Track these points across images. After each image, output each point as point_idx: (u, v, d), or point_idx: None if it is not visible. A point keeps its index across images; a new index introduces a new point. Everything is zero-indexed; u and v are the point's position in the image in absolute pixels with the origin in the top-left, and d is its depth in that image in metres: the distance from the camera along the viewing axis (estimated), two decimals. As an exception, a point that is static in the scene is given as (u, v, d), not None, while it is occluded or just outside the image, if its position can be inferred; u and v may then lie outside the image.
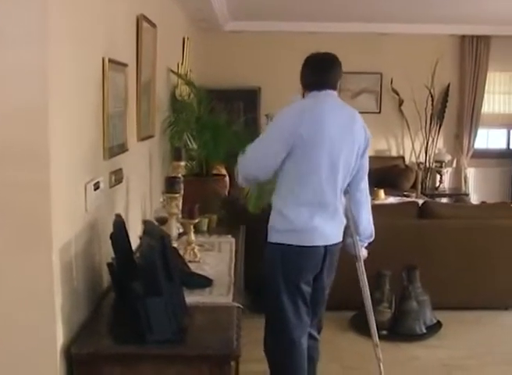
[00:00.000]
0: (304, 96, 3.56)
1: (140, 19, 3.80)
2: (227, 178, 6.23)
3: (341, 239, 3.46)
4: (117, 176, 3.23)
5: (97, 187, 2.78)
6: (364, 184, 3.63)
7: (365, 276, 3.69)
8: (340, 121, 3.40)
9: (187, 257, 3.49)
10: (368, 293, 3.68)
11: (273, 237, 3.36)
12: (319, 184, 3.27)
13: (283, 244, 3.29)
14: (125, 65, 3.40)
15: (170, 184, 3.48)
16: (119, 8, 3.33)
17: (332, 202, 3.33)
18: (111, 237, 2.73)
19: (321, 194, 3.28)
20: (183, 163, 4.12)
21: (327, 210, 3.31)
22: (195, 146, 5.02)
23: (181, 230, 3.72)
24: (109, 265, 2.75)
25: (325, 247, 3.31)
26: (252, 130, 6.48)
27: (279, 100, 8.67)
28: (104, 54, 2.94)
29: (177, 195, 3.50)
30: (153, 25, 4.23)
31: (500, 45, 8.92)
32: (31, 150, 2.21)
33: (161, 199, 3.92)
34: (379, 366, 3.57)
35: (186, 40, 6.41)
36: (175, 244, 3.52)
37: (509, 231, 5.05)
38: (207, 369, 2.36)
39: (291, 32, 8.63)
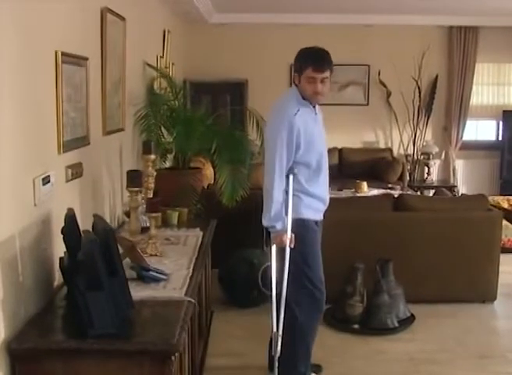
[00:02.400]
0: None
1: (105, 12, 3.78)
2: (208, 171, 6.25)
3: None
4: (75, 170, 3.21)
5: (46, 181, 2.77)
6: None
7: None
8: None
9: (148, 251, 3.48)
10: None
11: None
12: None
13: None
14: (85, 58, 3.38)
15: (131, 178, 3.48)
16: (78, 1, 3.31)
17: None
18: (62, 232, 2.73)
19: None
20: (152, 156, 4.12)
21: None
22: (170, 139, 5.01)
23: (148, 224, 3.71)
24: (60, 259, 2.75)
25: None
26: (236, 123, 6.49)
27: (267, 92, 8.70)
28: (57, 47, 2.93)
29: (137, 189, 3.49)
30: (121, 18, 4.21)
31: (488, 36, 8.87)
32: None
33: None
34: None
35: (166, 33, 6.39)
36: (137, 238, 3.52)
37: (484, 223, 5.02)
38: (147, 364, 2.36)
39: (277, 24, 8.60)
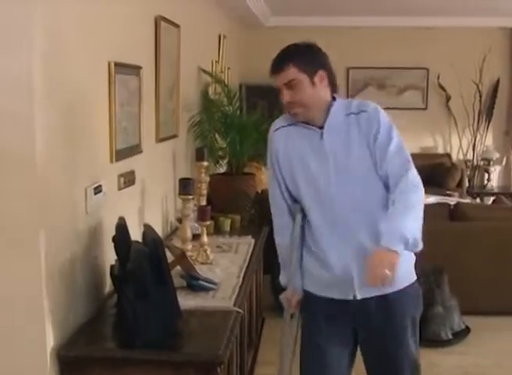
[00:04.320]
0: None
1: (159, 21, 3.82)
2: (262, 176, 6.25)
3: None
4: (127, 179, 3.26)
5: (98, 190, 2.81)
6: None
7: None
8: None
9: (199, 259, 3.50)
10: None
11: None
12: None
13: None
14: (138, 67, 3.42)
15: (183, 186, 3.50)
16: (132, 12, 3.36)
17: None
18: (113, 240, 2.77)
19: None
20: (205, 163, 4.15)
21: None
22: (224, 145, 5.03)
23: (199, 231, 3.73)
24: (111, 267, 2.79)
25: None
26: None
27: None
28: (110, 58, 2.97)
29: (190, 197, 3.51)
30: (176, 25, 4.24)
31: (553, 38, 8.61)
32: (19, 157, 2.26)
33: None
34: None
35: (222, 37, 6.42)
36: (188, 246, 3.54)
37: (544, 234, 4.87)
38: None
39: (334, 27, 8.53)
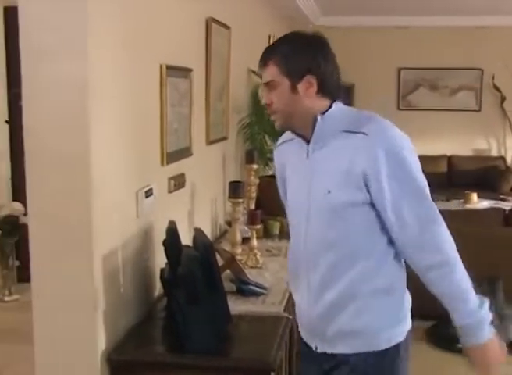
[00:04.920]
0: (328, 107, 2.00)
1: (209, 23, 3.81)
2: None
3: None
4: (177, 181, 3.25)
5: (149, 194, 2.81)
6: None
7: None
8: None
9: (249, 263, 3.47)
10: None
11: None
12: None
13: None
14: (189, 70, 3.41)
15: (233, 189, 3.48)
16: (184, 14, 3.35)
17: None
18: (163, 244, 2.76)
19: None
20: (255, 166, 4.11)
21: None
22: (273, 147, 4.98)
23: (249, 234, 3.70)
24: (161, 271, 2.79)
25: None
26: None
27: (374, 97, 8.57)
28: (162, 60, 2.97)
29: (240, 200, 3.48)
30: (226, 27, 4.23)
31: None
32: (72, 160, 2.27)
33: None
34: None
35: (271, 38, 6.39)
36: (238, 250, 3.52)
37: None
38: (243, 381, 2.34)
39: (385, 26, 8.43)
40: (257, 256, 3.51)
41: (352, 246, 1.96)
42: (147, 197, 2.77)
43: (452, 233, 4.35)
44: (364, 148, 1.87)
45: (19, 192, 5.26)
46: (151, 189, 2.81)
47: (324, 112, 1.95)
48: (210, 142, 3.93)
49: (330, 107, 1.97)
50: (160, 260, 2.87)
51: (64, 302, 2.34)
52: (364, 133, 1.88)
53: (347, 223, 1.93)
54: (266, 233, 4.18)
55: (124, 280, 2.61)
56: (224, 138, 4.35)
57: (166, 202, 3.09)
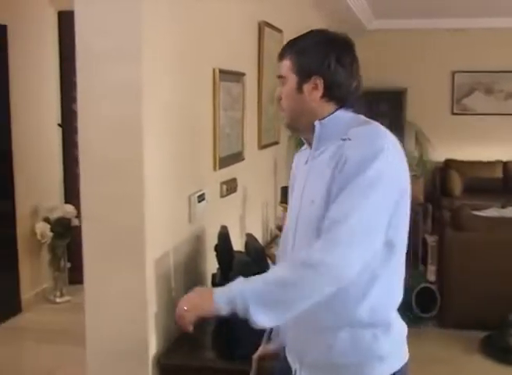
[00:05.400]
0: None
1: (262, 26, 3.79)
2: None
3: None
4: (229, 186, 3.24)
5: (201, 198, 2.81)
6: None
7: None
8: None
9: (300, 268, 3.44)
10: None
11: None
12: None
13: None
14: (242, 74, 3.41)
15: (285, 194, 3.44)
16: (235, 18, 3.35)
17: None
18: (215, 249, 2.75)
19: None
20: (307, 171, 4.09)
21: None
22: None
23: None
24: (213, 276, 2.78)
25: None
26: (395, 136, 6.30)
27: (427, 102, 8.42)
28: (215, 65, 2.97)
29: (291, 205, 3.45)
30: (278, 30, 4.21)
31: None
32: (125, 164, 2.28)
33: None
34: None
35: (324, 42, 6.35)
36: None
37: None
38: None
39: (439, 29, 8.27)
40: (309, 262, 3.47)
41: None
42: (199, 201, 2.77)
43: (508, 241, 4.02)
44: (345, 151, 1.67)
45: (71, 194, 5.33)
46: (203, 194, 2.81)
47: (324, 117, 1.78)
48: (262, 147, 3.92)
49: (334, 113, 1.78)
50: (211, 266, 2.87)
51: (116, 305, 2.36)
52: (349, 139, 1.69)
53: None
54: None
55: (176, 285, 2.61)
56: (275, 143, 4.33)
57: (218, 207, 3.09)
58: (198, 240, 2.85)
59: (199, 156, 2.88)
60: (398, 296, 1.79)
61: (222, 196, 3.15)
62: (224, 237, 2.77)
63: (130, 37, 2.24)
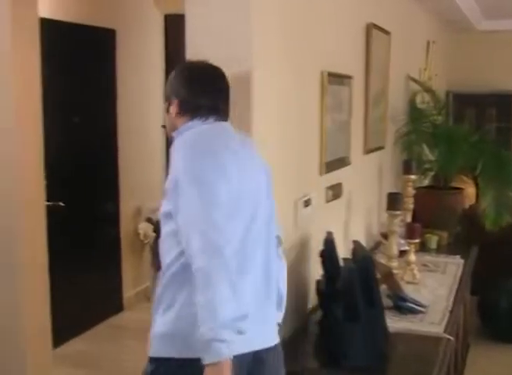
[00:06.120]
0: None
1: (370, 28, 3.71)
2: (469, 190, 5.90)
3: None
4: (335, 191, 3.18)
5: (307, 203, 2.76)
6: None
7: None
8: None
9: (406, 277, 3.33)
10: None
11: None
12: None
13: None
14: (349, 77, 3.34)
15: (391, 201, 3.34)
16: (344, 20, 3.28)
17: None
18: (320, 255, 2.70)
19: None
20: (413, 177, 3.98)
21: None
22: (431, 157, 4.79)
23: (407, 248, 3.56)
24: (317, 282, 2.73)
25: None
26: (502, 141, 6.06)
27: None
28: (323, 68, 2.91)
29: (398, 212, 3.35)
30: (386, 32, 4.11)
31: None
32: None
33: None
34: None
35: (430, 43, 6.16)
36: (394, 264, 3.38)
37: None
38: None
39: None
40: (415, 271, 3.37)
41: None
42: (305, 206, 2.72)
43: None
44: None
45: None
46: (309, 199, 2.76)
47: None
48: (367, 151, 3.83)
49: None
50: (315, 271, 2.82)
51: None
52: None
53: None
54: (423, 247, 4.01)
55: (281, 291, 2.57)
56: (381, 147, 4.22)
57: (323, 212, 3.03)
58: (303, 245, 2.80)
59: (305, 161, 2.83)
60: None
61: (327, 201, 3.09)
62: (330, 243, 2.71)
63: (240, 42, 2.23)
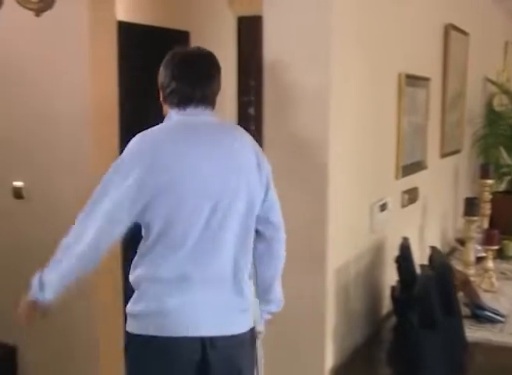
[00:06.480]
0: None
1: (448, 30, 3.62)
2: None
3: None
4: (411, 196, 3.11)
5: (384, 208, 2.71)
6: (271, 232, 2.06)
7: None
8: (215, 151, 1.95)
9: (483, 285, 3.23)
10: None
11: None
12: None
13: None
14: (426, 79, 3.26)
15: (468, 206, 3.25)
16: (422, 21, 3.21)
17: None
18: (396, 261, 2.64)
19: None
20: (490, 181, 3.86)
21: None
22: (509, 161, 4.65)
23: (483, 254, 3.46)
24: (392, 288, 2.67)
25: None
26: None
27: None
28: (400, 70, 2.85)
29: (475, 218, 3.25)
30: (464, 33, 4.00)
31: None
32: (310, 171, 2.23)
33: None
34: None
35: (508, 44, 5.98)
36: (471, 271, 3.29)
37: None
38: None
39: None
40: (492, 279, 3.26)
41: None
42: (381, 211, 2.67)
43: None
44: None
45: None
46: (385, 203, 2.71)
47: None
48: (444, 155, 3.74)
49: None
50: (390, 277, 2.76)
51: (292, 311, 2.30)
52: None
53: None
54: (500, 254, 3.88)
55: (354, 296, 2.54)
56: (457, 151, 4.12)
57: (398, 217, 2.97)
58: (378, 250, 2.75)
59: (381, 164, 2.78)
60: None
61: (402, 206, 3.03)
62: (406, 248, 2.66)
63: (319, 44, 2.20)
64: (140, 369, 1.91)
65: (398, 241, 2.68)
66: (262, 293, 2.09)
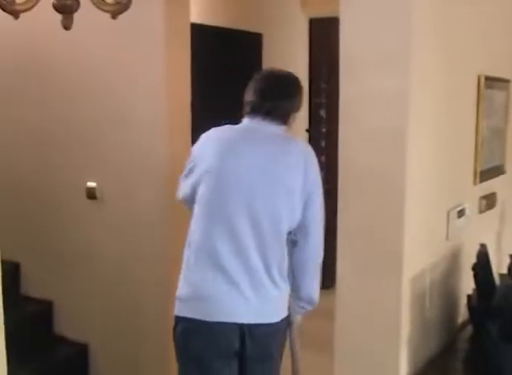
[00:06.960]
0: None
1: (531, 29, 3.48)
2: None
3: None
4: (489, 201, 3.02)
5: (461, 214, 2.63)
6: (302, 241, 2.20)
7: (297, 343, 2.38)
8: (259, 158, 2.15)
9: None
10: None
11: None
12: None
13: None
14: (506, 81, 3.15)
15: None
16: (502, 20, 3.11)
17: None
18: (473, 269, 2.56)
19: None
20: None
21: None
22: None
23: None
24: (469, 297, 2.59)
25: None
26: None
27: None
28: (480, 71, 2.77)
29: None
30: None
31: None
32: (387, 176, 2.18)
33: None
34: None
35: None
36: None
37: None
38: None
39: None
40: None
41: None
42: (458, 217, 2.59)
43: None
44: None
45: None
46: (463, 209, 2.63)
47: None
48: (523, 160, 3.60)
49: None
50: (466, 286, 2.68)
51: (368, 321, 2.27)
52: None
53: None
54: None
55: (430, 305, 2.46)
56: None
57: (475, 223, 2.88)
58: (454, 258, 2.67)
59: (459, 169, 2.70)
60: None
61: (480, 212, 2.93)
62: (484, 256, 2.58)
63: (398, 46, 2.14)
64: (181, 350, 2.16)
65: (475, 248, 2.60)
66: (294, 289, 2.25)
